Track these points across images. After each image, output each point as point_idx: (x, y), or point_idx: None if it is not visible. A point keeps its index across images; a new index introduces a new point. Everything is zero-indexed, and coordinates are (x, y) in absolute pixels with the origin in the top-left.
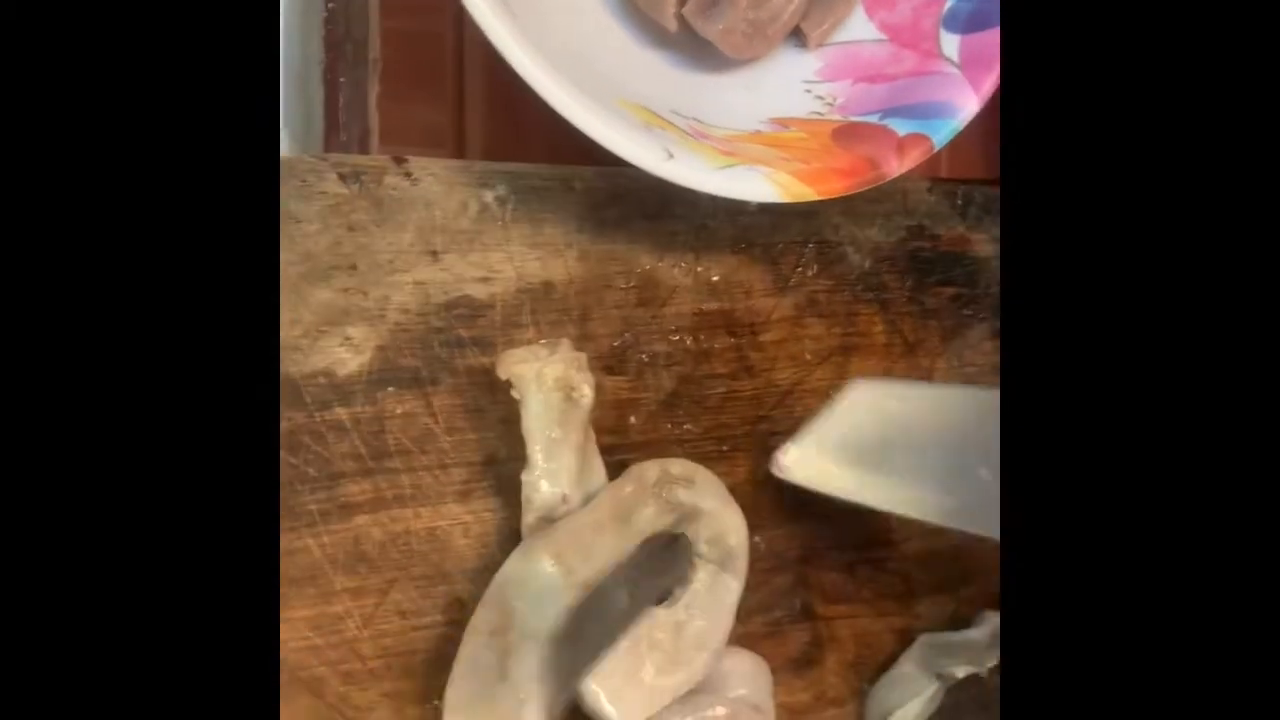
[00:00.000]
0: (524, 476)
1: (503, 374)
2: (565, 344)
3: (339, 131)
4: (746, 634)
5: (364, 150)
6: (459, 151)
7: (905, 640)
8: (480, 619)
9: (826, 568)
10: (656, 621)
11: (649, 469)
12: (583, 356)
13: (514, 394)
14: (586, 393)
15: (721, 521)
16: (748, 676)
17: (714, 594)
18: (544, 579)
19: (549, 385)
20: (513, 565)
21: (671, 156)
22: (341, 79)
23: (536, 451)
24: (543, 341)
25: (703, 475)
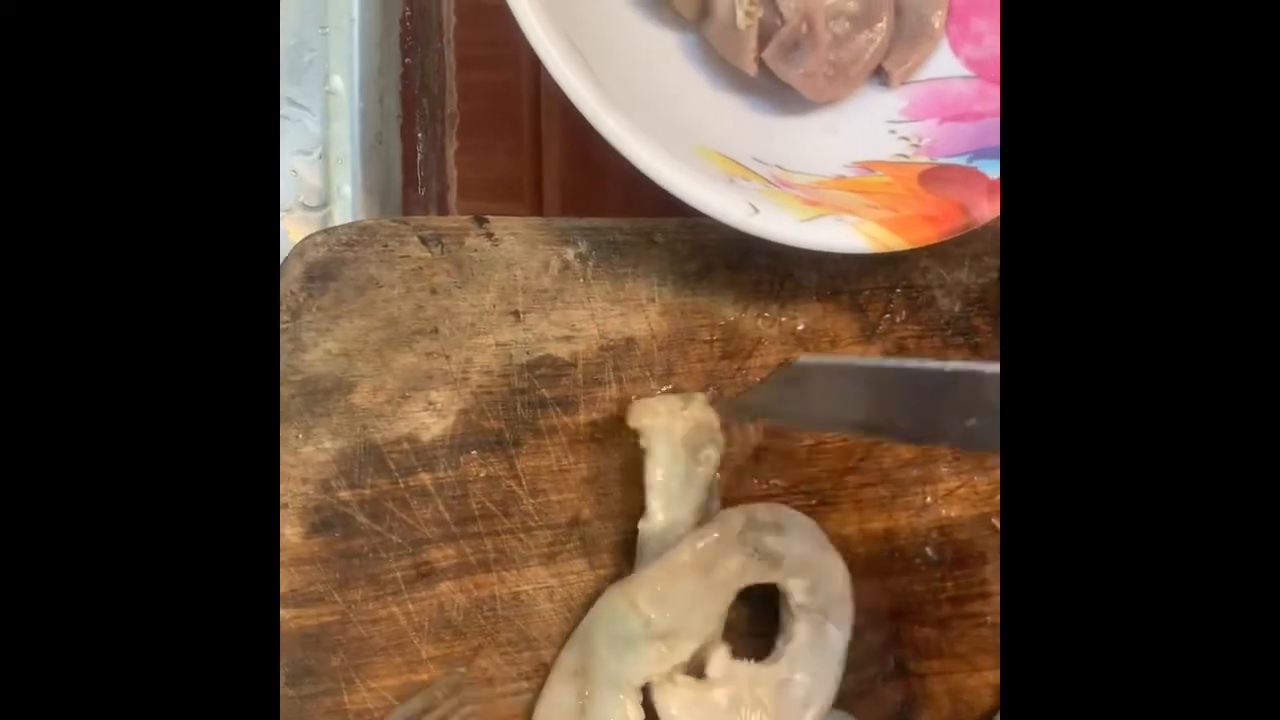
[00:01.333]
0: (641, 525)
1: (632, 422)
2: (699, 400)
3: (417, 187)
4: (839, 693)
5: (442, 205)
6: (537, 204)
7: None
8: (564, 659)
9: (920, 623)
10: (758, 678)
11: (733, 516)
12: (715, 418)
13: (641, 443)
14: (713, 456)
15: (819, 567)
16: None
17: (818, 646)
18: (623, 625)
19: (677, 442)
20: (597, 607)
21: (757, 211)
22: (419, 134)
23: (656, 504)
24: (678, 393)
25: (794, 520)
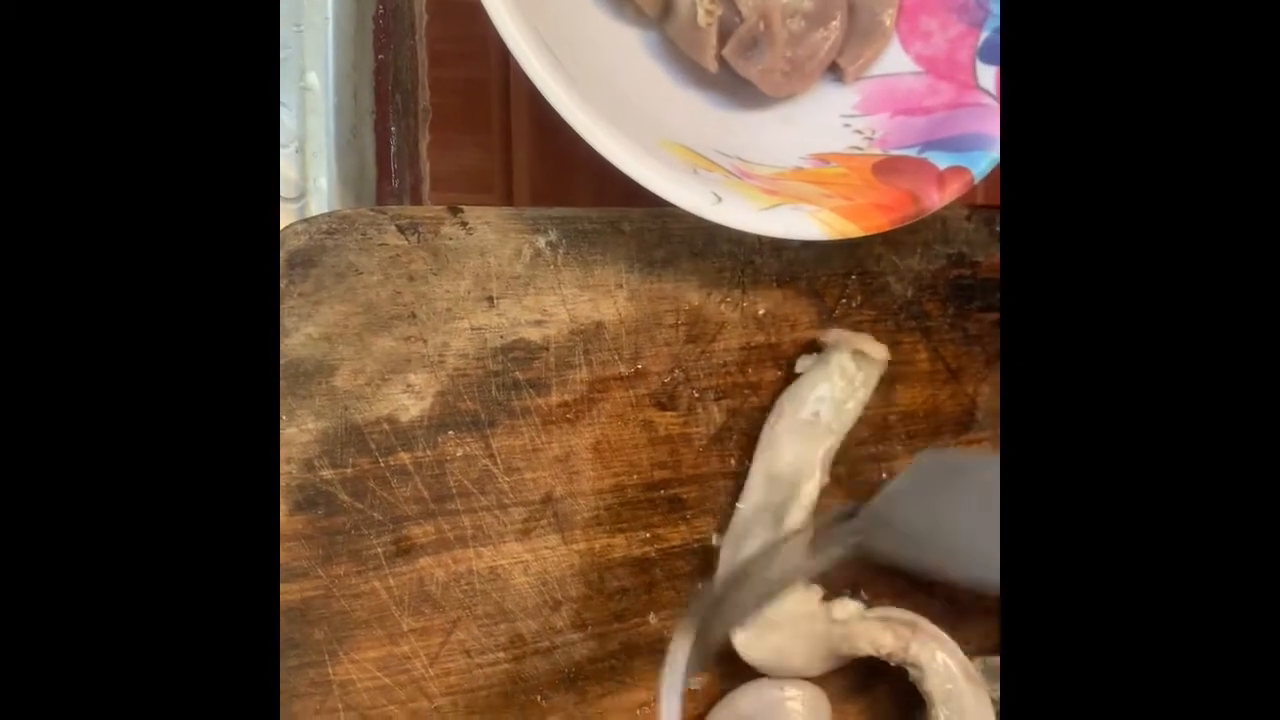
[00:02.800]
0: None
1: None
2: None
3: (391, 179)
4: None
5: (416, 197)
6: (507, 194)
7: None
8: None
9: (879, 594)
10: None
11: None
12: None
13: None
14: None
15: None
16: (808, 707)
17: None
18: None
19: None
20: None
21: (719, 200)
22: (392, 128)
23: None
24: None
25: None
